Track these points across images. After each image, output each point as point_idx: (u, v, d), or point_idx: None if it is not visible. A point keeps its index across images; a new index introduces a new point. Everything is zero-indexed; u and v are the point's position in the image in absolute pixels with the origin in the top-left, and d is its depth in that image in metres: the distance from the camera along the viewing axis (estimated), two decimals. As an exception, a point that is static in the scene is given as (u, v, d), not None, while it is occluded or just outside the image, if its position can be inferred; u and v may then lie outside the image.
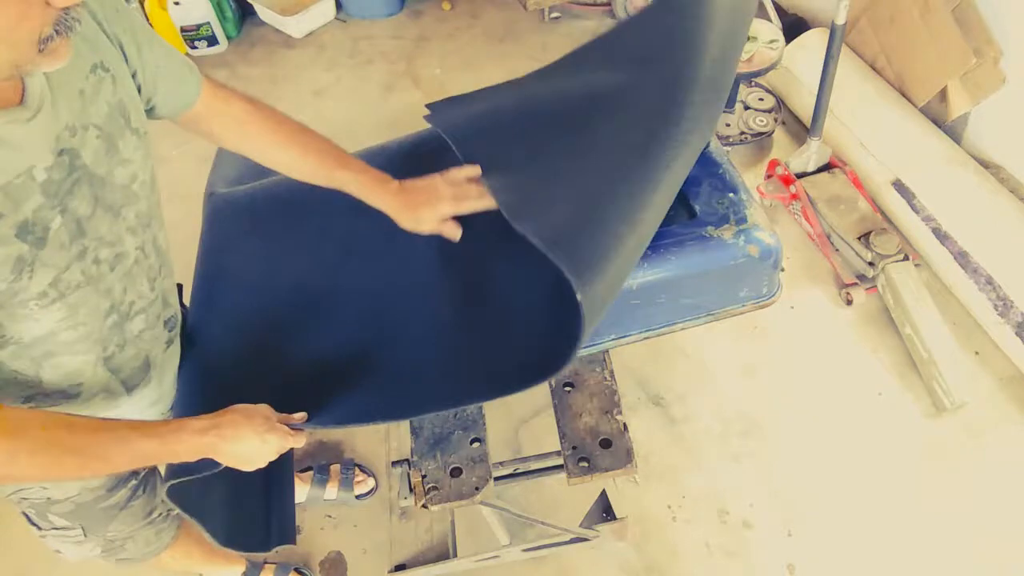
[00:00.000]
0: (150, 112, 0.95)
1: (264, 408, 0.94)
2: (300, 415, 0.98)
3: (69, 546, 1.13)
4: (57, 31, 0.65)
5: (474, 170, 1.17)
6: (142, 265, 0.91)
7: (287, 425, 0.96)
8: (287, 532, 1.26)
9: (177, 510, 1.01)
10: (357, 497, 1.79)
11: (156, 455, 0.86)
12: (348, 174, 1.11)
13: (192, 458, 0.89)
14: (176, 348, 1.07)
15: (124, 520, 1.13)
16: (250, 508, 1.23)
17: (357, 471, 1.82)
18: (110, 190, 0.83)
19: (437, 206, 1.11)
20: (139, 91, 0.90)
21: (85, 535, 1.11)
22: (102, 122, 0.81)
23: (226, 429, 0.89)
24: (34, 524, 1.10)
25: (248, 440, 0.90)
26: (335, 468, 1.81)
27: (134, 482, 1.12)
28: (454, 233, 1.12)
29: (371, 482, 1.82)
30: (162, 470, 1.03)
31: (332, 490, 1.78)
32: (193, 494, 1.02)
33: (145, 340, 0.97)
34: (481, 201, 1.13)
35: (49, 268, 0.76)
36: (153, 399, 1.04)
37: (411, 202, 1.13)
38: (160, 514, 1.21)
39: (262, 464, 0.94)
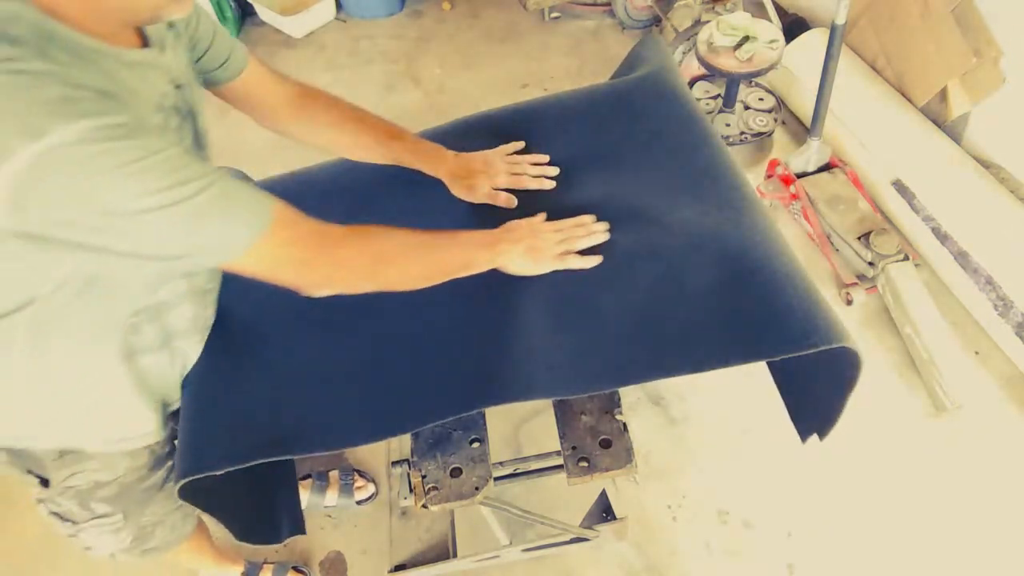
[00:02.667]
0: (209, 77, 1.04)
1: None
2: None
3: (105, 537, 1.14)
4: None
5: (519, 144, 1.27)
6: None
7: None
8: (297, 523, 1.27)
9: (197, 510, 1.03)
10: (358, 503, 1.79)
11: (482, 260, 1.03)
12: (403, 144, 1.19)
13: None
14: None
15: (159, 502, 1.15)
16: (258, 502, 1.24)
17: (356, 477, 1.82)
18: (199, 131, 0.94)
19: (494, 176, 1.19)
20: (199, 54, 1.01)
21: (125, 520, 1.12)
22: (184, 72, 0.91)
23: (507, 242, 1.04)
24: (68, 521, 1.10)
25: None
26: (334, 474, 1.81)
27: (171, 463, 1.13)
28: (510, 203, 1.19)
29: (371, 487, 1.81)
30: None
31: (332, 496, 1.78)
32: (205, 492, 1.02)
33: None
34: (536, 180, 1.21)
35: None
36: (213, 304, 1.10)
37: (466, 169, 1.20)
38: None
39: (545, 263, 1.04)
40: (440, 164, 1.20)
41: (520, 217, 1.13)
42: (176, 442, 1.12)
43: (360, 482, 1.81)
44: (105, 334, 0.90)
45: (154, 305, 0.94)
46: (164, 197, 0.70)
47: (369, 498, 1.80)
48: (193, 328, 1.03)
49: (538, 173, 1.22)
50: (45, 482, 1.03)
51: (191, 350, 1.04)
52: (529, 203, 1.19)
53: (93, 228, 0.69)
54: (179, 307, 0.98)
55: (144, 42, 0.83)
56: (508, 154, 1.26)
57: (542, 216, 1.12)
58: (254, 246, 0.80)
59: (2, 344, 0.83)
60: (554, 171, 1.23)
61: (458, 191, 1.20)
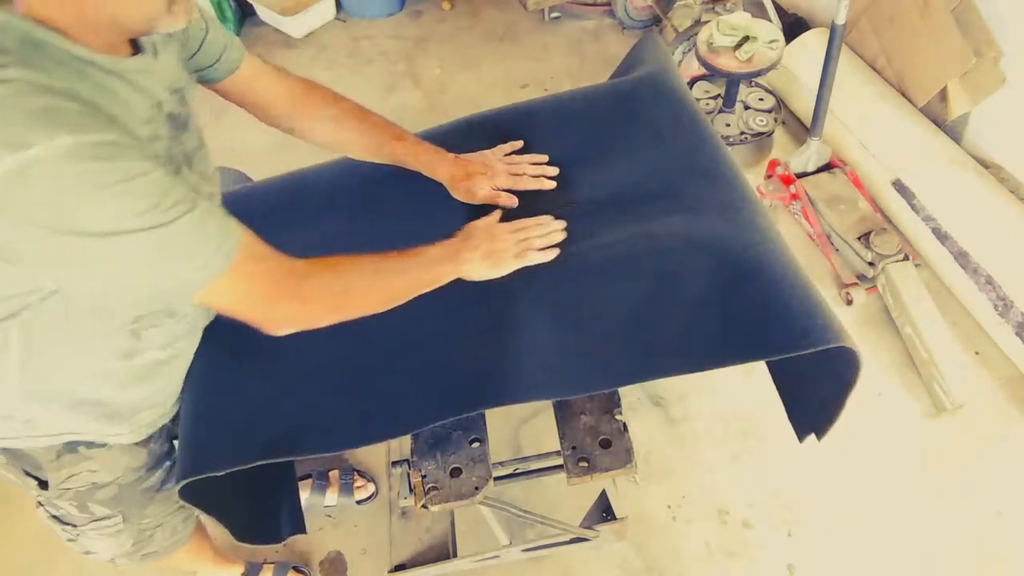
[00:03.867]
0: (203, 75, 1.03)
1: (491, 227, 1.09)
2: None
3: (104, 539, 1.13)
4: None
5: (516, 144, 1.26)
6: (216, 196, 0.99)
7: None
8: (298, 522, 1.27)
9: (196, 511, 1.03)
10: (358, 503, 1.79)
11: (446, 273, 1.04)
12: (404, 146, 1.19)
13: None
14: None
15: (159, 504, 1.15)
16: (259, 503, 1.24)
17: (356, 476, 1.82)
18: (199, 132, 0.93)
19: (493, 178, 1.19)
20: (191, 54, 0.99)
21: (124, 522, 1.11)
22: (179, 74, 0.90)
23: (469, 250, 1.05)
24: (68, 524, 1.09)
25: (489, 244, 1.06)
26: (334, 474, 1.80)
27: (168, 463, 1.13)
28: (511, 202, 1.19)
29: (371, 487, 1.81)
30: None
31: (332, 496, 1.78)
32: (205, 493, 1.02)
33: None
34: (536, 181, 1.21)
35: None
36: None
37: (466, 172, 1.19)
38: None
39: (506, 264, 1.06)
40: (440, 167, 1.20)
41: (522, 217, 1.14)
42: (174, 442, 1.12)
43: (360, 482, 1.81)
44: (102, 342, 0.89)
45: (159, 311, 0.93)
46: (139, 221, 0.68)
47: (369, 498, 1.80)
48: (192, 329, 1.03)
49: (537, 173, 1.23)
50: (43, 484, 1.03)
51: (190, 348, 1.05)
52: (529, 204, 1.19)
53: (62, 248, 0.67)
54: (183, 315, 0.97)
55: (136, 48, 0.82)
56: (507, 154, 1.26)
57: (497, 215, 1.13)
58: (218, 279, 0.77)
59: None
60: (553, 171, 1.23)
61: (459, 194, 1.20)
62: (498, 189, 1.20)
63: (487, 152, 1.25)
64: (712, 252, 1.04)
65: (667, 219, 1.11)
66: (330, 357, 1.08)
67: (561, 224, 1.12)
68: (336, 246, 1.21)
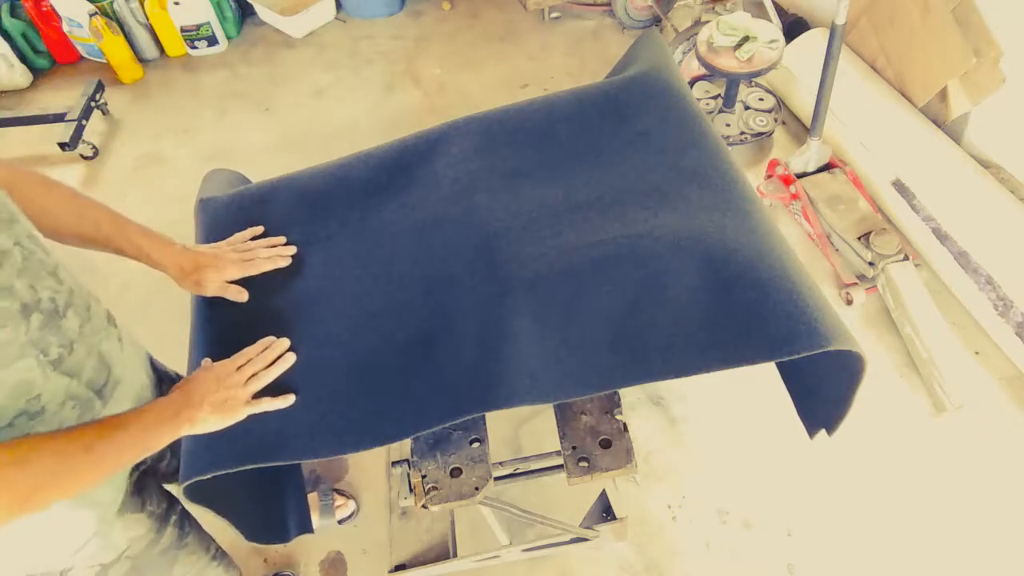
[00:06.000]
0: None
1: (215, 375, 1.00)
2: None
3: None
4: None
5: (257, 230, 1.22)
6: (32, 260, 0.85)
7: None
8: (305, 522, 1.27)
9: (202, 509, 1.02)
10: (339, 522, 1.78)
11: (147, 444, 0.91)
12: (127, 236, 1.08)
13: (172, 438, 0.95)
14: (134, 346, 1.06)
15: (187, 559, 1.12)
16: (266, 503, 1.24)
17: (336, 496, 1.81)
18: None
19: (223, 269, 1.14)
20: None
21: None
22: None
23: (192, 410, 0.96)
24: None
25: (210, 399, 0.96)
26: (313, 497, 1.79)
27: (175, 516, 1.11)
28: (239, 296, 1.15)
29: (352, 504, 1.81)
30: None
31: (313, 519, 1.76)
32: (213, 494, 1.03)
33: (89, 335, 0.92)
34: (270, 262, 1.18)
35: None
36: (132, 399, 1.00)
37: (194, 263, 1.13)
38: (220, 550, 1.22)
39: (238, 411, 0.99)
40: (166, 258, 1.12)
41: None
42: (175, 496, 1.11)
43: (340, 501, 1.80)
44: None
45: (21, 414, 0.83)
46: None
47: (350, 516, 1.79)
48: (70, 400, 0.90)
49: (271, 254, 1.19)
50: None
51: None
52: (514, 209, 1.17)
53: None
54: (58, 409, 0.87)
55: None
56: (253, 238, 1.23)
57: (222, 365, 1.04)
58: None
59: None
60: (290, 251, 1.20)
61: (187, 286, 1.14)
62: (230, 281, 1.15)
63: (221, 243, 1.21)
64: (696, 257, 1.04)
65: (653, 222, 1.11)
66: (323, 366, 1.08)
67: (285, 343, 1.07)
68: (331, 249, 1.22)
